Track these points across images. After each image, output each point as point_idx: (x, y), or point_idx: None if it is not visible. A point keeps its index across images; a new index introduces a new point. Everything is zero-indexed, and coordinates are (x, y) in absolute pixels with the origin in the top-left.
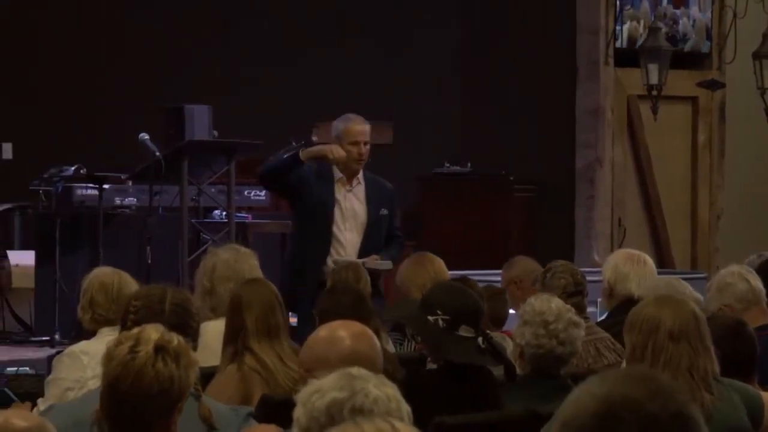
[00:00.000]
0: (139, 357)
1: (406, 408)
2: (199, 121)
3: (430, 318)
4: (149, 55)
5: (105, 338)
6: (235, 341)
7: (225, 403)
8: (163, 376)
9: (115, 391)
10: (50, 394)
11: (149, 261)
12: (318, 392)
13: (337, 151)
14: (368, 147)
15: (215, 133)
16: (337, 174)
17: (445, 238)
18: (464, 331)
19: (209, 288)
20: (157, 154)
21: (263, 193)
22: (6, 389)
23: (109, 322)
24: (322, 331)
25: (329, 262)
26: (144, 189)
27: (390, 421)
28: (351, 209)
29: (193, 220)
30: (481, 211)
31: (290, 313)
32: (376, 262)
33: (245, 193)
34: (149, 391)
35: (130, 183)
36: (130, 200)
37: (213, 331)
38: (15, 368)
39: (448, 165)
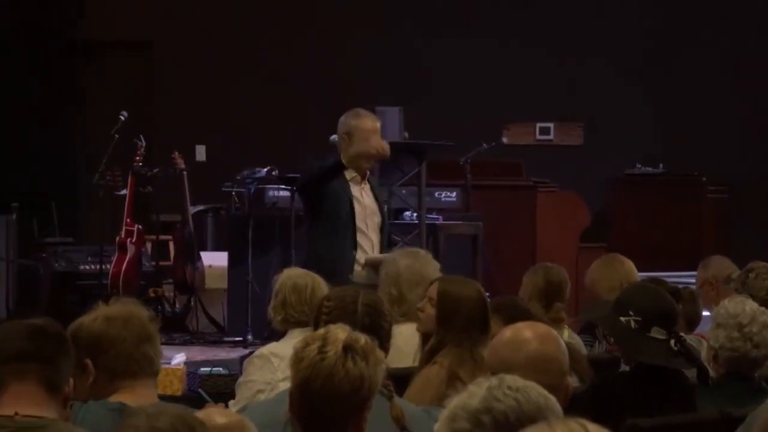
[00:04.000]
0: (328, 357)
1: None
2: (390, 123)
3: (622, 319)
4: (340, 57)
5: (294, 340)
6: (457, 339)
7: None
8: (353, 375)
9: (306, 391)
10: (241, 396)
11: None
12: (467, 395)
13: (377, 143)
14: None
15: (406, 134)
16: (350, 173)
17: (635, 240)
18: (656, 333)
19: (397, 296)
20: None
21: (454, 194)
22: (200, 390)
23: (300, 324)
24: (507, 333)
25: (356, 267)
26: None
27: (581, 422)
28: (370, 208)
29: None
30: (673, 212)
31: None
32: None
33: (436, 194)
34: (340, 390)
35: None
36: None
37: (404, 334)
38: (208, 368)
39: (639, 166)
